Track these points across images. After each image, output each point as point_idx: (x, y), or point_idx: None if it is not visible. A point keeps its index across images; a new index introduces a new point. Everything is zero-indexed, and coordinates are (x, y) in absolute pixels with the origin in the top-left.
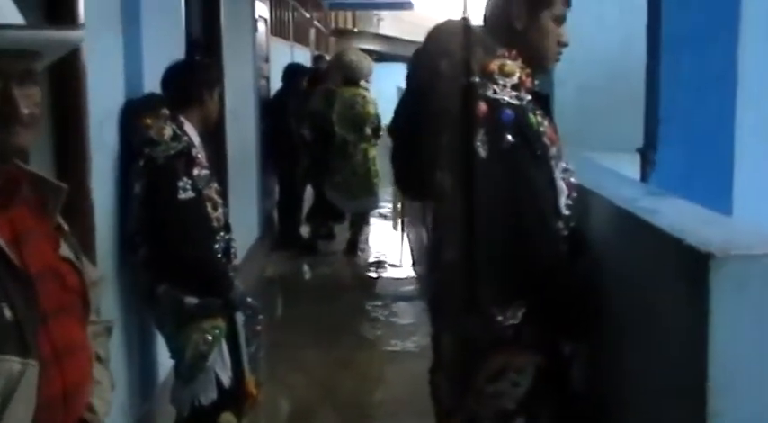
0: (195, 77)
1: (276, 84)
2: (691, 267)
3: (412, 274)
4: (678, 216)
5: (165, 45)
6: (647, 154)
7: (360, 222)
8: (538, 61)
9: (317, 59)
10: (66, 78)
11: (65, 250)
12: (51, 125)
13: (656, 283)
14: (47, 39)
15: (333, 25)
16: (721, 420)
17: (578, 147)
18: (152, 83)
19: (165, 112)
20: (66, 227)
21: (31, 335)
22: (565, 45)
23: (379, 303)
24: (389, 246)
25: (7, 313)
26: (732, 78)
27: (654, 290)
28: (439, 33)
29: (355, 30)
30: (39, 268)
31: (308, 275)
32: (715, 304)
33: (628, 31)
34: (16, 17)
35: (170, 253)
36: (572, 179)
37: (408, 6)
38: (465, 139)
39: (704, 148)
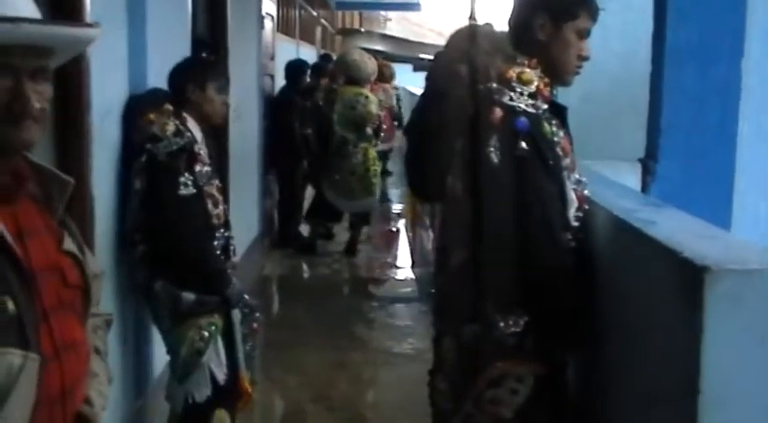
0: (182, 73)
1: (281, 81)
2: (686, 280)
3: (411, 275)
4: (676, 228)
5: (170, 41)
6: (648, 164)
7: (359, 223)
8: (557, 73)
9: (323, 58)
10: (69, 73)
11: (68, 244)
12: (53, 120)
13: (651, 294)
14: (60, 34)
15: (339, 24)
16: None
17: (579, 156)
18: (156, 79)
19: (169, 107)
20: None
21: (32, 329)
22: (585, 59)
23: (377, 304)
24: (391, 246)
25: (10, 306)
26: (735, 91)
27: (649, 301)
28: (460, 38)
29: (362, 29)
30: (41, 264)
31: (305, 275)
32: (709, 317)
33: (631, 42)
34: (32, 11)
35: (169, 248)
36: (585, 191)
37: (416, 8)
38: (478, 145)
39: (705, 160)
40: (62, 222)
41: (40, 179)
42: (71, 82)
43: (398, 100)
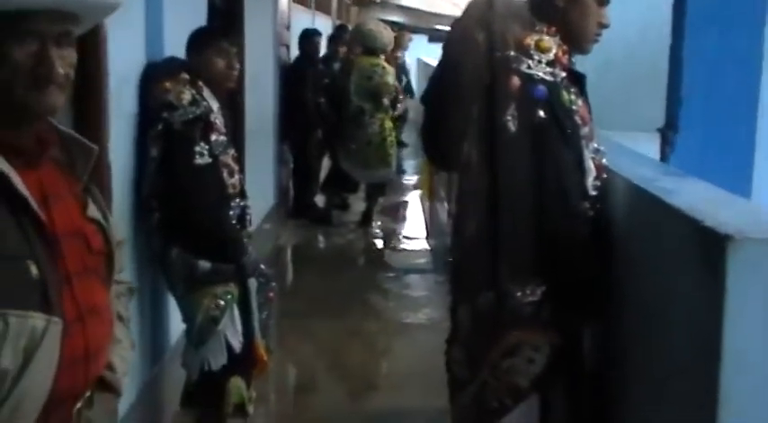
0: (188, 43)
1: (297, 51)
2: (708, 249)
3: (426, 246)
4: (697, 197)
5: (186, 10)
6: (668, 134)
7: (375, 194)
8: (576, 40)
9: (339, 29)
10: (86, 41)
11: (93, 211)
12: (70, 88)
13: (672, 263)
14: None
15: None
16: (731, 400)
17: (596, 126)
18: (172, 48)
19: (185, 76)
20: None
21: (56, 293)
22: (605, 26)
23: (392, 275)
24: (407, 217)
25: (33, 271)
26: (757, 61)
27: (670, 270)
28: (477, 5)
29: (377, 0)
30: (65, 229)
31: (321, 245)
32: (731, 285)
33: (649, 11)
34: None
35: (184, 217)
36: (603, 160)
37: None
38: (495, 113)
39: (725, 130)
40: (86, 189)
41: (63, 145)
42: (89, 51)
43: (404, 70)
